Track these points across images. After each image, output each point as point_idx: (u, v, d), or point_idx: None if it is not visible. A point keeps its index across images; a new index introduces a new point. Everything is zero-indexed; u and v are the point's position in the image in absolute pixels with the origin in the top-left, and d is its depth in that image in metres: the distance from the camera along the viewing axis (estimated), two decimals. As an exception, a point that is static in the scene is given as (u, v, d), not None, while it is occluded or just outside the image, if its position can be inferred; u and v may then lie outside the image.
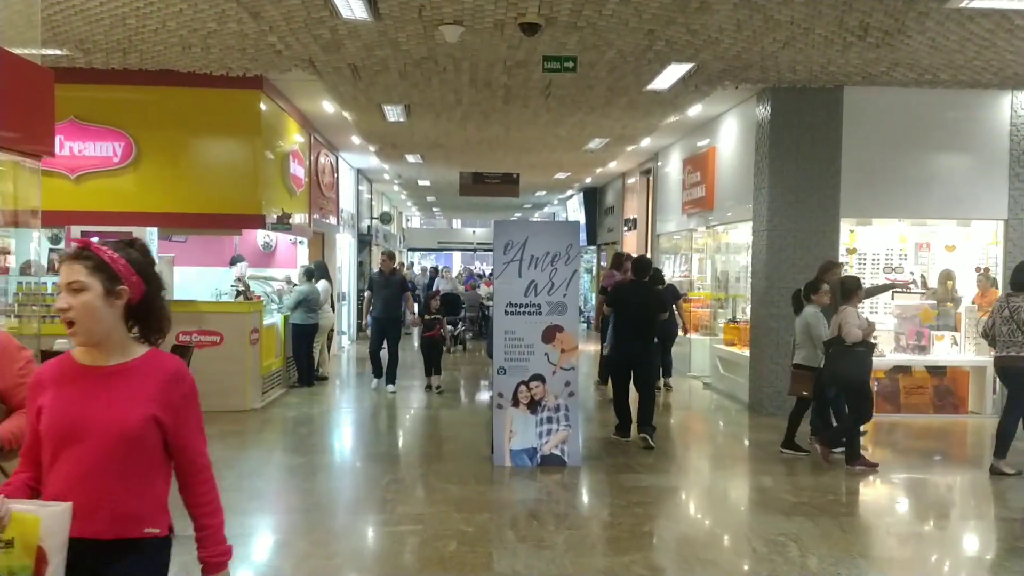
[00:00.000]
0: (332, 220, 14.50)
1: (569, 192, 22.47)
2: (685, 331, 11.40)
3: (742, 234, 11.14)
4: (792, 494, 6.15)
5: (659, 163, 14.85)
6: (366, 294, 10.86)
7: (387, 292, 10.44)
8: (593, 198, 21.45)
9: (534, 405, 6.92)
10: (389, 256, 10.81)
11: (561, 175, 17.90)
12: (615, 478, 6.61)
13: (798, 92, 9.22)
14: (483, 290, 20.19)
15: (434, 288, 18.16)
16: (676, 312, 10.75)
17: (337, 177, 15.06)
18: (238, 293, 9.23)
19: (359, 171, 18.02)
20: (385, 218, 20.82)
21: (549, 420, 6.94)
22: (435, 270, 24.01)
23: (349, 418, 9.40)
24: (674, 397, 11.11)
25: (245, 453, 7.32)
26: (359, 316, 11.12)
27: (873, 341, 7.15)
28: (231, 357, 9.04)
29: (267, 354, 9.96)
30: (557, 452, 6.90)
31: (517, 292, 6.94)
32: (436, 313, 10.84)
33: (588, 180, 19.46)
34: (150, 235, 9.16)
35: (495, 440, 6.96)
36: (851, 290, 6.98)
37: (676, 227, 13.59)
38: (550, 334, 6.96)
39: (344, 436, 8.58)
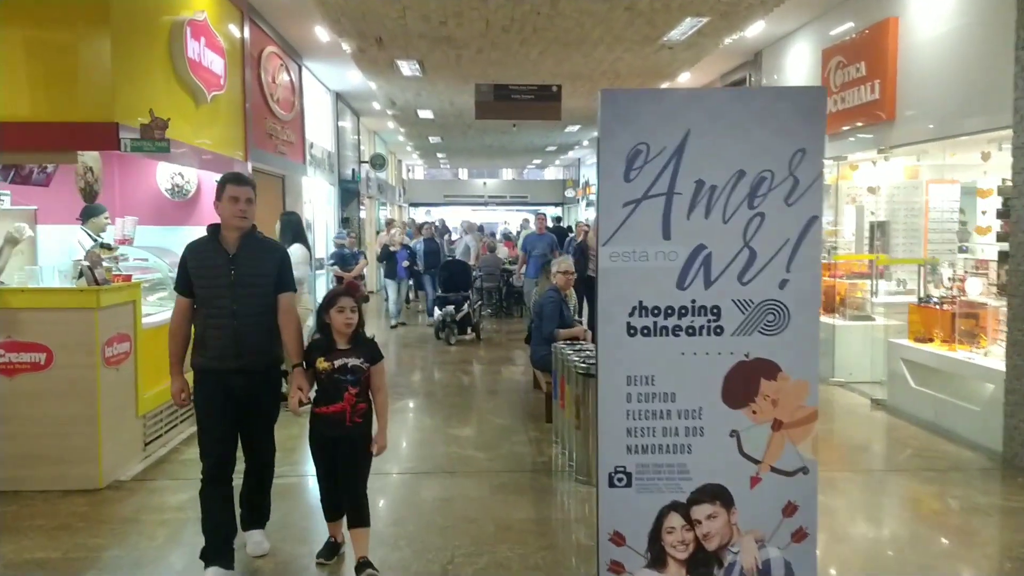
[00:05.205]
0: (294, 157, 10.21)
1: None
2: None
3: (934, 163, 6.94)
4: None
5: (761, 68, 10.44)
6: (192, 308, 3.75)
7: (235, 297, 3.59)
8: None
9: (706, 563, 2.74)
10: (238, 183, 3.59)
11: (607, 98, 13.40)
12: None
13: None
14: (502, 252, 16.02)
15: (358, 268, 10.53)
16: None
17: (302, 99, 10.73)
18: (80, 273, 4.96)
19: (338, 96, 13.63)
20: (377, 161, 16.44)
21: (743, 600, 2.77)
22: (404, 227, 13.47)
23: (276, 512, 4.51)
24: (821, 422, 6.85)
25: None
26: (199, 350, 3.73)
27: None
28: (68, 389, 4.84)
29: (162, 373, 5.77)
30: None
31: (662, 279, 2.71)
32: (347, 354, 3.55)
33: (638, 108, 14.94)
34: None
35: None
36: None
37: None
38: (746, 383, 2.75)
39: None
